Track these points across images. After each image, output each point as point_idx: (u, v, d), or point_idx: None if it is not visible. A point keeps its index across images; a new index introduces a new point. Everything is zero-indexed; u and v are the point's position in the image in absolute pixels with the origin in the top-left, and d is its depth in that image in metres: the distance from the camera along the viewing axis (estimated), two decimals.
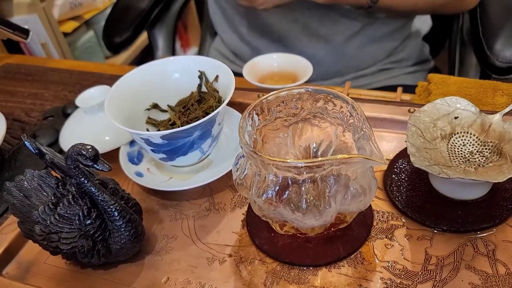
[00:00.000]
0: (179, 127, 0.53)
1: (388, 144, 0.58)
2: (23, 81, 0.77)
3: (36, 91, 0.74)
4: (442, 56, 1.08)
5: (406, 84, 0.89)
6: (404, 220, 0.48)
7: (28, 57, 1.06)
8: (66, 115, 0.65)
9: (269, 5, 0.77)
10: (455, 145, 0.49)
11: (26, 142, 0.44)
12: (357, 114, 0.44)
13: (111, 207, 0.44)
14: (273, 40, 0.89)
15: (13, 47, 1.31)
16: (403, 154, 0.55)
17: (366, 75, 0.90)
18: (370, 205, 0.50)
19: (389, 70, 0.91)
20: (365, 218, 0.49)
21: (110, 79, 0.72)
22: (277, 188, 0.42)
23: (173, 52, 1.14)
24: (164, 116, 0.58)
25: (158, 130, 0.55)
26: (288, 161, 0.39)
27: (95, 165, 0.41)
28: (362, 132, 0.42)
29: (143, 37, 1.15)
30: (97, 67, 0.91)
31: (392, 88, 0.78)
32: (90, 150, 0.41)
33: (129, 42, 1.00)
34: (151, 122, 0.56)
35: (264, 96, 0.46)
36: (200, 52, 1.25)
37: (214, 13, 0.98)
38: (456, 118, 0.50)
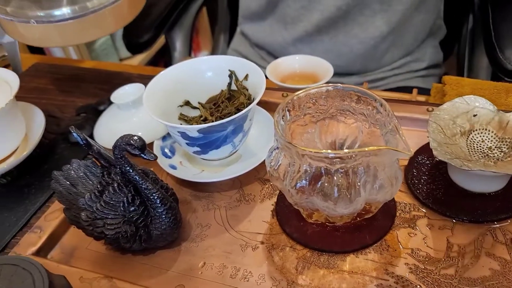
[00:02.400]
0: (212, 122, 0.56)
1: (408, 141, 0.60)
2: (54, 79, 0.80)
3: (67, 88, 0.78)
4: (450, 61, 1.11)
5: (419, 86, 0.92)
6: (425, 211, 0.51)
7: (55, 57, 1.10)
8: (99, 112, 0.68)
9: None
10: (474, 141, 0.52)
11: (74, 134, 0.48)
12: (385, 110, 0.47)
13: (154, 194, 0.47)
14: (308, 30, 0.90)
15: (34, 48, 1.35)
16: (422, 150, 0.58)
17: (383, 76, 0.93)
18: (393, 197, 0.53)
19: (402, 73, 0.94)
20: (389, 208, 0.52)
21: (138, 78, 0.76)
22: (310, 178, 0.45)
23: (189, 54, 1.18)
24: (194, 113, 0.61)
25: (191, 125, 0.58)
26: (322, 151, 0.42)
27: (142, 154, 0.44)
28: (390, 127, 0.45)
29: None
30: (119, 67, 0.94)
31: (404, 90, 0.82)
32: (138, 140, 0.44)
33: (150, 43, 1.03)
34: (183, 118, 0.59)
35: (296, 93, 0.50)
36: (213, 55, 1.29)
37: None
38: (474, 115, 0.53)
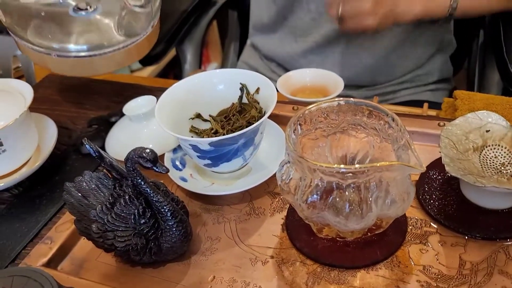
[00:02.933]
0: (223, 135, 0.57)
1: (419, 155, 0.61)
2: (67, 91, 0.81)
3: (79, 100, 0.79)
4: (460, 76, 1.11)
5: (428, 100, 0.92)
6: (437, 227, 0.51)
7: None
8: (110, 123, 0.69)
9: (375, 21, 0.75)
10: (487, 157, 0.52)
11: (87, 146, 0.48)
12: (397, 125, 0.47)
13: (165, 207, 0.47)
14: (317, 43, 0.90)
15: None
16: (434, 165, 0.57)
17: (393, 90, 0.93)
18: (405, 212, 0.52)
19: (412, 87, 0.94)
20: (400, 224, 0.51)
21: (150, 90, 0.76)
22: (322, 192, 0.45)
23: (199, 66, 1.19)
24: (205, 125, 0.61)
25: (202, 137, 0.58)
26: (334, 166, 0.42)
27: (154, 167, 0.45)
28: (402, 142, 0.45)
29: None
30: (131, 79, 0.96)
31: (414, 104, 0.81)
32: (150, 153, 0.44)
33: (162, 56, 1.04)
34: (194, 130, 0.60)
35: (308, 107, 0.50)
36: (223, 67, 1.30)
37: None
38: (487, 131, 0.52)
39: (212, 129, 0.60)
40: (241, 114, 0.60)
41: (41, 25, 0.64)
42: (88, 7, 0.65)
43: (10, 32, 0.64)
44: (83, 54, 0.63)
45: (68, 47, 0.63)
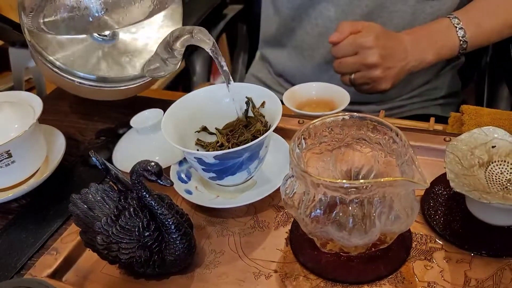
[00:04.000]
0: (228, 148, 0.57)
1: (424, 170, 0.59)
2: (76, 103, 0.82)
3: (88, 112, 0.80)
4: (469, 90, 1.10)
5: (436, 114, 0.92)
6: (442, 243, 0.50)
7: None
8: (118, 135, 0.70)
9: (388, 84, 0.77)
10: (493, 173, 0.51)
11: (93, 158, 0.49)
12: (401, 140, 0.47)
13: (169, 220, 0.47)
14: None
15: None
16: (439, 180, 0.57)
17: (401, 105, 0.93)
18: (409, 228, 0.52)
19: (420, 101, 0.94)
20: (404, 240, 0.51)
21: (157, 103, 0.77)
22: (325, 207, 0.45)
23: (208, 78, 1.20)
24: (211, 138, 0.61)
25: (208, 151, 0.59)
26: (338, 181, 0.42)
27: (159, 180, 0.45)
28: (406, 157, 0.45)
29: None
30: None
31: (421, 118, 0.81)
32: (154, 166, 0.45)
33: None
34: (200, 143, 0.60)
35: (313, 122, 0.50)
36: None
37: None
38: (493, 147, 0.52)
39: (217, 142, 0.60)
40: (246, 128, 0.60)
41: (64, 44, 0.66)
42: (109, 35, 0.67)
43: (31, 48, 0.66)
44: (102, 85, 0.66)
45: (89, 76, 0.65)
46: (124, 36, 0.69)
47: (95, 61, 0.67)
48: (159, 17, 0.68)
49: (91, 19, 0.62)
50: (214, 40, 0.54)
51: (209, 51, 0.55)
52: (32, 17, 0.62)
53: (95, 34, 0.67)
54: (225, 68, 0.56)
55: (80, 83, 0.65)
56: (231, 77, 0.58)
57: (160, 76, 0.64)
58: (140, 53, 0.69)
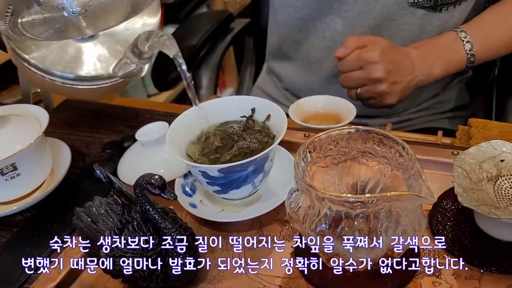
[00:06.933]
0: (230, 159, 0.56)
1: (432, 184, 0.58)
2: (83, 116, 0.83)
3: (94, 125, 0.80)
4: (477, 102, 1.09)
5: (444, 128, 0.91)
6: (450, 259, 0.49)
7: None
8: (123, 148, 0.70)
9: (395, 98, 0.77)
10: (501, 187, 0.50)
11: (97, 171, 0.49)
12: (407, 154, 0.46)
13: (172, 234, 0.47)
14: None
15: None
16: (447, 195, 0.56)
17: (409, 118, 0.92)
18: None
19: (428, 115, 0.93)
20: (412, 255, 0.50)
21: (163, 116, 0.77)
22: (331, 221, 0.44)
23: (215, 91, 1.20)
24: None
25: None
26: (343, 195, 0.42)
27: (162, 194, 0.45)
28: (413, 171, 0.44)
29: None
30: (146, 104, 0.97)
31: (429, 131, 0.81)
32: (158, 179, 0.45)
33: (177, 81, 1.06)
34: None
35: (318, 135, 0.49)
36: (238, 92, 1.31)
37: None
38: (502, 161, 0.51)
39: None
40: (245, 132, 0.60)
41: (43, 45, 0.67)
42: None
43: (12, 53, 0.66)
44: (76, 83, 0.66)
45: (68, 76, 0.66)
46: (102, 36, 0.69)
47: (70, 59, 0.67)
48: (137, 19, 0.69)
49: (69, 21, 0.62)
50: (179, 49, 0.55)
51: (173, 58, 0.55)
52: (9, 19, 0.63)
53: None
54: (188, 75, 0.57)
55: (50, 79, 0.65)
56: (193, 88, 0.59)
57: (128, 77, 0.64)
58: (116, 53, 0.69)
